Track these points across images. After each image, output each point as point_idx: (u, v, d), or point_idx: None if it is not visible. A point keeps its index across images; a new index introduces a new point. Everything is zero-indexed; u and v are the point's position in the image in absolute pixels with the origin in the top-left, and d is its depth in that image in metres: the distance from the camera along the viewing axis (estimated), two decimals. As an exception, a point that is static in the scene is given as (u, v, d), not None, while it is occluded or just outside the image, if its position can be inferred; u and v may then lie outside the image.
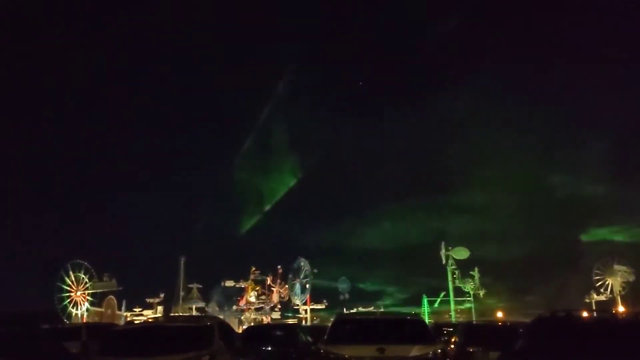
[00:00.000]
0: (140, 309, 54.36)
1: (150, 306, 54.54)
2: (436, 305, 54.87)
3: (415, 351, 10.23)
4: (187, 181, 73.27)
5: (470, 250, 52.45)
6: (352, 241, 68.12)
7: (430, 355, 10.32)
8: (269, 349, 15.96)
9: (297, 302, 56.50)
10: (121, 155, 70.35)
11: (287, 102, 67.06)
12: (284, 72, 66.93)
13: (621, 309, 43.94)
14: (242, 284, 56.48)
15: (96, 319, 48.56)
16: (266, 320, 53.55)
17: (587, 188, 59.96)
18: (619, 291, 50.55)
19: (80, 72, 66.55)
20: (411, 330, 11.26)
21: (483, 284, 52.24)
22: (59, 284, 50.92)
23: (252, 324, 49.06)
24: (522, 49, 64.84)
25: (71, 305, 51.31)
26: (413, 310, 52.10)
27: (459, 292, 52.49)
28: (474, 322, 21.94)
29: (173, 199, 70.56)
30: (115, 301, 53.98)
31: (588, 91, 59.64)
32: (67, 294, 51.22)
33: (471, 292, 52.00)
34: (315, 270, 55.75)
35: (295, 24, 74.78)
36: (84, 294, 51.96)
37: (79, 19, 66.62)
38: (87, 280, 52.09)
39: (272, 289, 57.06)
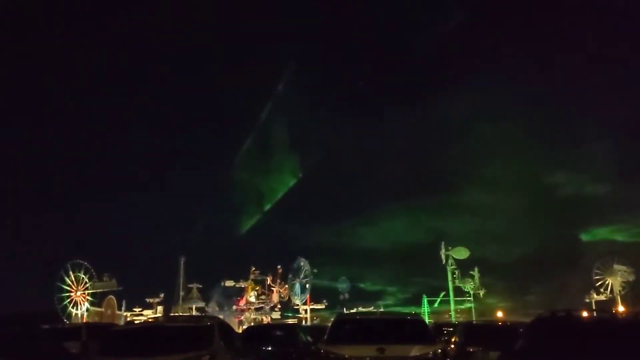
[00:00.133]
0: (140, 309, 54.41)
1: (150, 306, 54.59)
2: (436, 305, 54.90)
3: (415, 351, 10.23)
4: (187, 181, 73.19)
5: (470, 250, 52.54)
6: (352, 241, 68.13)
7: (430, 355, 10.32)
8: (269, 349, 15.96)
9: (297, 302, 56.52)
10: (121, 155, 70.42)
11: (287, 102, 66.95)
12: (284, 72, 66.91)
13: (621, 308, 43.91)
14: (242, 284, 56.52)
15: (96, 319, 48.58)
16: (266, 320, 53.57)
17: (587, 188, 59.98)
18: (619, 291, 50.55)
19: (80, 72, 66.67)
20: (411, 330, 11.25)
21: (483, 284, 52.30)
22: (59, 284, 50.96)
23: (252, 324, 49.09)
24: (522, 49, 64.83)
25: (71, 305, 51.35)
26: (413, 310, 52.18)
27: (459, 292, 52.55)
28: (474, 322, 21.93)
29: (173, 199, 70.51)
30: (115, 301, 54.01)
31: (589, 91, 59.61)
32: (67, 294, 51.26)
33: (471, 292, 52.02)
34: (315, 270, 55.86)
35: (295, 24, 74.70)
36: (84, 294, 51.99)
37: (79, 19, 66.52)
38: (87, 280, 52.12)
39: (272, 289, 57.10)
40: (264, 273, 57.06)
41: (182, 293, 55.40)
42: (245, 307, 56.40)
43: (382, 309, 50.50)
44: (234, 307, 57.40)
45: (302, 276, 56.30)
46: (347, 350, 10.49)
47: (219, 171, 78.69)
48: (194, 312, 52.80)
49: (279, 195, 68.49)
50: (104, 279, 52.73)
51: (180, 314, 49.19)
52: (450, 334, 17.86)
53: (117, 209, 66.24)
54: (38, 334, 14.20)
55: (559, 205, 60.10)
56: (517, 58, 61.99)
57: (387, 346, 10.12)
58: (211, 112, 79.41)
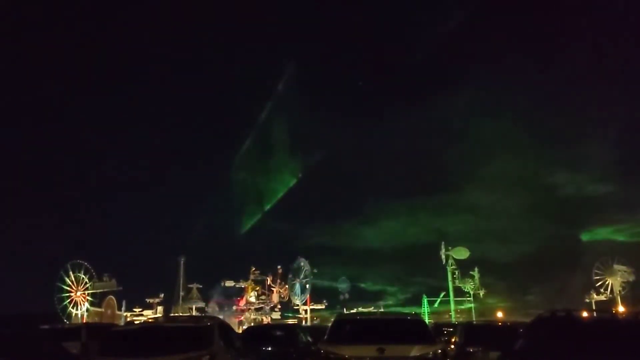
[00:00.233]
0: (140, 309, 54.40)
1: (150, 306, 54.60)
2: (436, 305, 54.93)
3: (415, 351, 10.22)
4: (187, 181, 73.29)
5: (470, 250, 52.56)
6: (352, 241, 68.23)
7: (430, 355, 10.31)
8: (269, 349, 15.95)
9: (297, 302, 56.52)
10: (121, 155, 70.50)
11: (287, 102, 66.95)
12: (284, 72, 66.97)
13: (621, 308, 43.90)
14: (242, 284, 56.51)
15: (96, 319, 48.62)
16: (266, 320, 53.56)
17: (587, 188, 60.01)
18: (619, 291, 50.55)
19: (80, 72, 66.73)
20: (411, 330, 11.23)
21: (483, 284, 52.33)
22: (59, 284, 50.98)
23: (252, 324, 49.08)
24: (522, 49, 64.86)
25: (71, 305, 51.35)
26: (413, 310, 52.19)
27: (459, 292, 52.57)
28: (474, 322, 21.95)
29: (173, 199, 70.59)
30: (115, 301, 54.02)
31: (589, 91, 59.60)
32: (67, 294, 51.26)
33: (471, 292, 52.04)
34: (315, 270, 55.90)
35: (295, 23, 74.72)
36: (84, 294, 52.00)
37: (79, 19, 66.60)
38: (87, 280, 52.13)
39: (272, 289, 57.09)
40: (264, 273, 57.11)
41: (182, 293, 55.44)
42: (245, 307, 56.40)
43: (382, 309, 50.56)
44: (234, 307, 57.42)
45: (302, 276, 56.30)
46: (347, 351, 10.48)
47: (219, 171, 79.01)
48: (194, 313, 52.80)
49: (279, 195, 68.55)
50: (104, 279, 52.74)
51: (180, 314, 49.19)
52: (450, 334, 17.87)
53: (117, 209, 66.41)
54: (38, 334, 14.19)
55: (559, 205, 60.21)
56: (517, 58, 61.96)
57: (387, 346, 10.11)
58: (211, 112, 79.47)
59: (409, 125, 65.88)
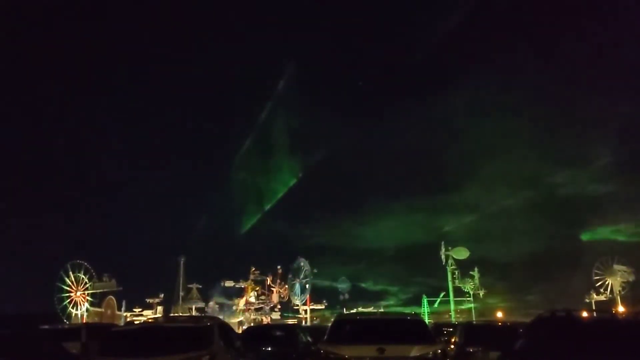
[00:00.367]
0: (140, 309, 54.42)
1: (150, 306, 54.62)
2: (436, 305, 54.90)
3: (415, 351, 10.21)
4: (187, 181, 73.32)
5: (470, 250, 52.54)
6: (352, 241, 68.15)
7: (430, 355, 10.31)
8: (269, 349, 15.94)
9: (297, 302, 56.50)
10: (121, 155, 70.46)
11: (287, 102, 67.07)
12: (284, 72, 67.02)
13: (621, 309, 43.91)
14: (242, 284, 56.51)
15: (96, 320, 48.59)
16: (266, 320, 53.56)
17: (588, 188, 60.02)
18: (619, 291, 50.52)
19: (80, 71, 66.69)
20: (411, 330, 11.23)
21: (483, 284, 52.31)
22: (59, 284, 50.99)
23: (252, 324, 49.07)
24: (522, 48, 64.81)
25: (71, 305, 51.35)
26: (413, 310, 52.18)
27: (459, 292, 52.52)
28: (474, 322, 21.94)
29: (173, 199, 70.60)
30: (115, 301, 54.03)
31: (589, 90, 59.56)
32: (67, 295, 51.26)
33: (471, 292, 52.01)
34: (315, 270, 55.87)
35: (295, 23, 74.71)
36: (84, 294, 51.99)
37: (78, 19, 66.64)
38: (87, 280, 52.12)
39: (272, 289, 57.08)
40: (264, 273, 57.10)
41: (182, 293, 55.44)
42: (245, 308, 56.39)
43: (382, 309, 50.57)
44: (234, 308, 57.40)
45: (302, 276, 56.28)
46: (347, 351, 10.48)
47: (219, 171, 79.02)
48: (194, 312, 52.79)
49: (279, 195, 68.64)
50: (104, 279, 52.75)
51: (180, 314, 49.18)
52: (450, 334, 17.85)
53: (117, 209, 66.39)
54: (38, 335, 14.19)
55: (559, 205, 60.23)
56: (516, 57, 62.01)
57: (387, 346, 10.11)
58: (211, 112, 79.59)
59: (408, 125, 65.97)
